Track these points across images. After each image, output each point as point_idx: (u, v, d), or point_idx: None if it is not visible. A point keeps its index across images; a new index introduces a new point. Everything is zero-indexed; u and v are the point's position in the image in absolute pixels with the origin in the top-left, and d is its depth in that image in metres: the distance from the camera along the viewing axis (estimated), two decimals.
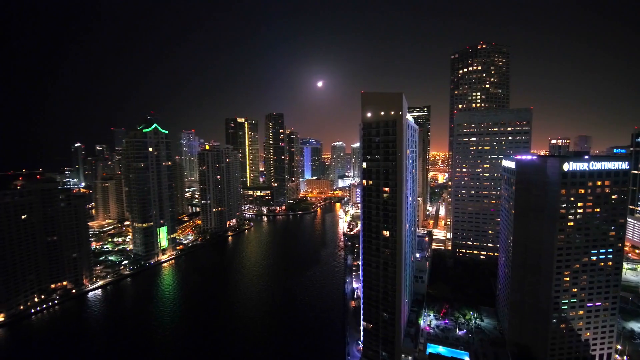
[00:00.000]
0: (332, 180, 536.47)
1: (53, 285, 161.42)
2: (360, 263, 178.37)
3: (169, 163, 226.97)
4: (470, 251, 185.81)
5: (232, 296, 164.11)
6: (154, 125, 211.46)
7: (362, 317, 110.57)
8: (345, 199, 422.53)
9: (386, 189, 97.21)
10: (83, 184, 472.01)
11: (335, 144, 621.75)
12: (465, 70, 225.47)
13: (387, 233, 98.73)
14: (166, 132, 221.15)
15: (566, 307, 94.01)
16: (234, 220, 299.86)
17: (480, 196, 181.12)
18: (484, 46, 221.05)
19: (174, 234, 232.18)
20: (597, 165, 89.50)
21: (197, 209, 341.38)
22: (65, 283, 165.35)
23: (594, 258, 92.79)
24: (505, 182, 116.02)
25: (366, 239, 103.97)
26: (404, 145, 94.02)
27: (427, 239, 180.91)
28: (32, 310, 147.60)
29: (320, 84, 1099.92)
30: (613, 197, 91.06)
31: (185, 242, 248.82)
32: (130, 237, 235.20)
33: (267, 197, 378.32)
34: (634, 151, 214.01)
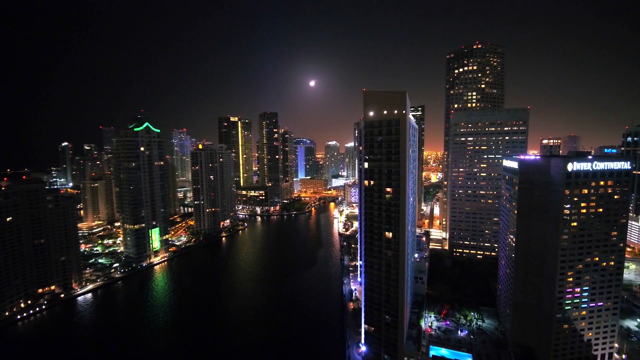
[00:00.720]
0: (326, 180, 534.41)
1: (40, 290, 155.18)
2: (357, 264, 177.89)
3: (162, 163, 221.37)
4: (467, 251, 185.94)
5: (226, 299, 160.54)
6: (146, 124, 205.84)
7: (363, 319, 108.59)
8: (340, 198, 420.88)
9: (389, 189, 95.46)
10: (71, 184, 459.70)
11: (329, 143, 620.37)
12: (461, 70, 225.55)
13: (389, 234, 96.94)
14: (158, 130, 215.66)
15: (569, 307, 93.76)
16: (227, 220, 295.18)
17: (477, 196, 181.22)
18: (479, 46, 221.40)
19: (167, 236, 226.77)
20: (600, 165, 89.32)
21: (190, 210, 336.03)
22: (53, 287, 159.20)
23: (597, 258, 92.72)
24: (506, 182, 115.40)
25: (368, 240, 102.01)
26: (407, 145, 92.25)
27: (424, 238, 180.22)
28: (18, 317, 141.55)
29: (312, 83, 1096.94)
30: (615, 197, 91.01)
31: (178, 243, 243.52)
32: (120, 238, 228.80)
33: (261, 197, 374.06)
34: (625, 151, 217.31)
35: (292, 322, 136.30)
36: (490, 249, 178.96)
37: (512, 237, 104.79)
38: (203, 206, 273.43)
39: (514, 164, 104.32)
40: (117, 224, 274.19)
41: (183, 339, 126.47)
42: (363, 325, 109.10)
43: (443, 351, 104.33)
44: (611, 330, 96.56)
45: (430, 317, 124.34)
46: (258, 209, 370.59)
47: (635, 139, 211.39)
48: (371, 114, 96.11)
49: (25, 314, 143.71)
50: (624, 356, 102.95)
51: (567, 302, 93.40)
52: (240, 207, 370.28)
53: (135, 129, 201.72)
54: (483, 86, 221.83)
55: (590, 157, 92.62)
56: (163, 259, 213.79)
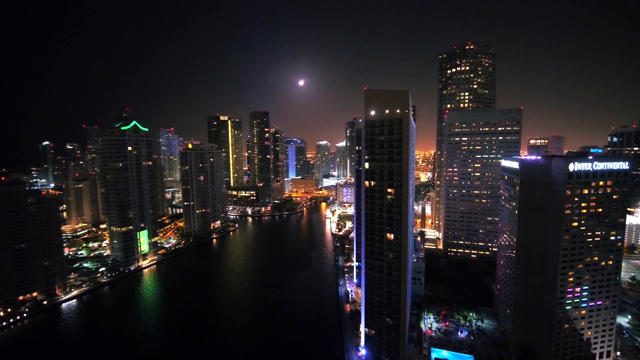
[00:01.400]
0: (317, 179, 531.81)
1: (21, 297, 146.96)
2: (352, 264, 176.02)
3: (150, 163, 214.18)
4: (462, 250, 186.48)
5: (218, 303, 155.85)
6: (134, 122, 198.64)
7: (363, 322, 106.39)
8: (331, 198, 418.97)
9: (390, 190, 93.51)
10: (52, 185, 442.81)
11: (320, 143, 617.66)
12: (454, 70, 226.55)
13: (391, 236, 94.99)
14: (146, 130, 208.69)
15: (570, 307, 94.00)
16: (218, 221, 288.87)
17: (472, 195, 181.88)
18: (471, 47, 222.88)
19: (155, 238, 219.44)
20: (600, 166, 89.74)
21: (179, 211, 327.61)
22: (35, 294, 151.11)
23: (596, 257, 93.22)
24: (505, 182, 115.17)
25: (368, 242, 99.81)
26: (410, 145, 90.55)
27: (419, 238, 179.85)
28: None
29: (302, 82, 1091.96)
30: (614, 196, 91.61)
31: (167, 246, 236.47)
32: (107, 241, 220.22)
33: (252, 198, 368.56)
34: (611, 150, 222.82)
35: (287, 326, 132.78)
36: (485, 248, 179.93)
37: (512, 237, 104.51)
38: (193, 207, 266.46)
39: (514, 164, 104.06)
40: (102, 226, 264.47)
41: (174, 345, 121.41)
42: (363, 328, 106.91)
43: (445, 353, 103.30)
44: (609, 328, 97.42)
45: (429, 318, 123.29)
46: (249, 210, 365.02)
47: (620, 139, 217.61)
48: (372, 113, 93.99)
49: (4, 323, 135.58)
50: (618, 353, 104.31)
51: (567, 301, 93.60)
52: (231, 208, 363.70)
53: (123, 128, 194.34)
54: (475, 87, 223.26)
55: (590, 157, 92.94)
56: (152, 263, 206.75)
